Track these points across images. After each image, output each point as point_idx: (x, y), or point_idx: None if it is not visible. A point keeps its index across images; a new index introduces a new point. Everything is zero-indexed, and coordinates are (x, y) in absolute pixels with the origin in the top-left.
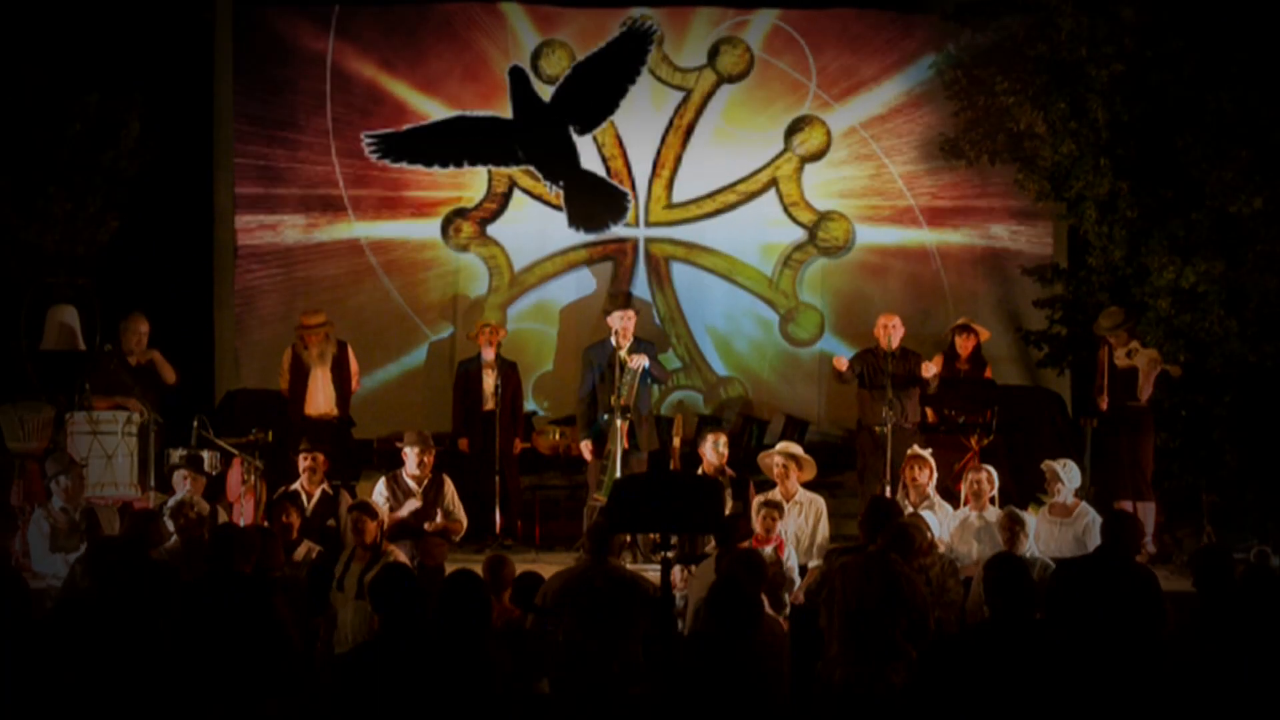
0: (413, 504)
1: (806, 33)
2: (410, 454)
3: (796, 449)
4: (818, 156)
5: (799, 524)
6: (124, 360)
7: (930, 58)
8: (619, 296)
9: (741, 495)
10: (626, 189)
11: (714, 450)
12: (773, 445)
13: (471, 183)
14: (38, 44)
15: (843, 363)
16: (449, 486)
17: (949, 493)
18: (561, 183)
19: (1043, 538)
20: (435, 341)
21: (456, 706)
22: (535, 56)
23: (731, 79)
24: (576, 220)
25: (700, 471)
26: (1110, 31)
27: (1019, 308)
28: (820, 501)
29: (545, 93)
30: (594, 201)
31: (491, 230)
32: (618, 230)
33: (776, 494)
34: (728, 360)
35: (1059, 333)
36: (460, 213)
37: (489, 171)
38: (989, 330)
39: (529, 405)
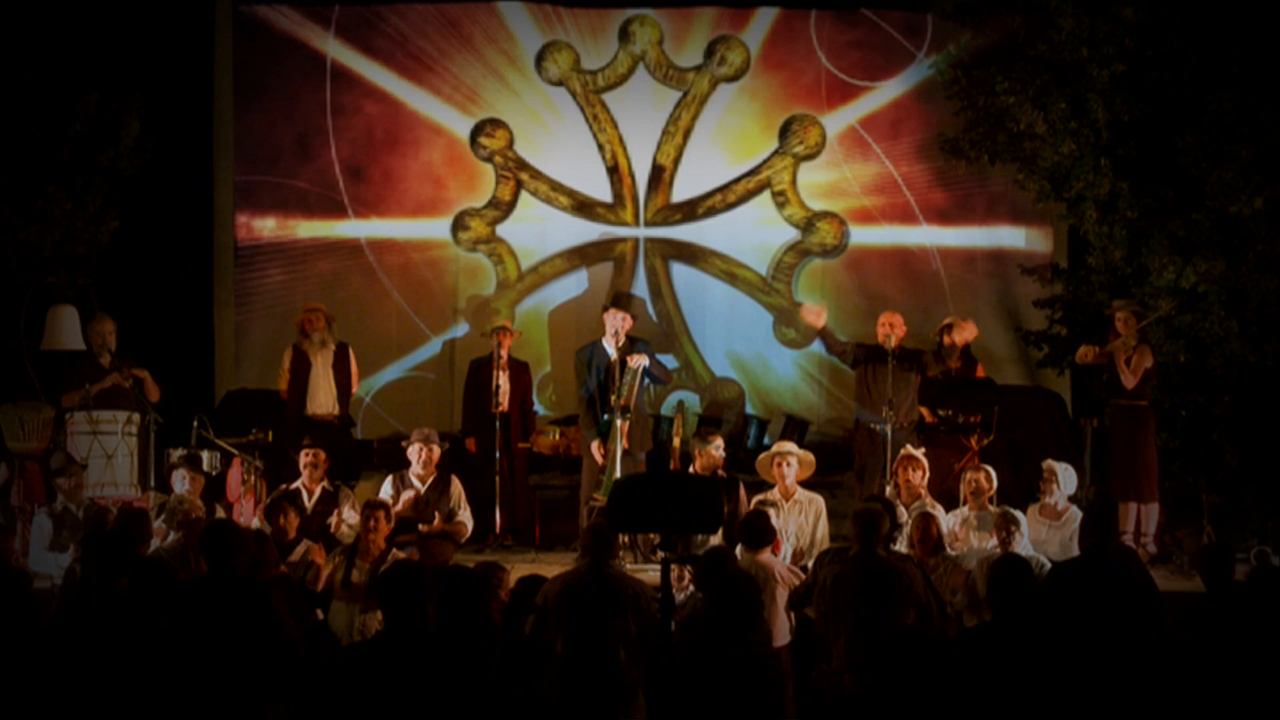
0: (408, 495)
1: (806, 32)
2: (412, 451)
3: (789, 446)
4: (813, 156)
5: (799, 522)
6: (125, 369)
7: (930, 58)
8: (621, 297)
9: (731, 496)
10: None
11: (708, 451)
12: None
13: (473, 183)
14: (38, 44)
15: (814, 314)
16: (456, 488)
17: (949, 492)
18: None
19: (1029, 536)
20: (443, 341)
21: (456, 704)
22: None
23: (729, 79)
24: None
25: (691, 471)
26: (1110, 31)
27: (1019, 308)
28: (820, 501)
29: (547, 91)
30: None
31: (500, 230)
32: (618, 230)
33: (775, 494)
34: (729, 360)
35: (1059, 333)
36: (469, 212)
37: (494, 171)
38: (982, 328)
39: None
